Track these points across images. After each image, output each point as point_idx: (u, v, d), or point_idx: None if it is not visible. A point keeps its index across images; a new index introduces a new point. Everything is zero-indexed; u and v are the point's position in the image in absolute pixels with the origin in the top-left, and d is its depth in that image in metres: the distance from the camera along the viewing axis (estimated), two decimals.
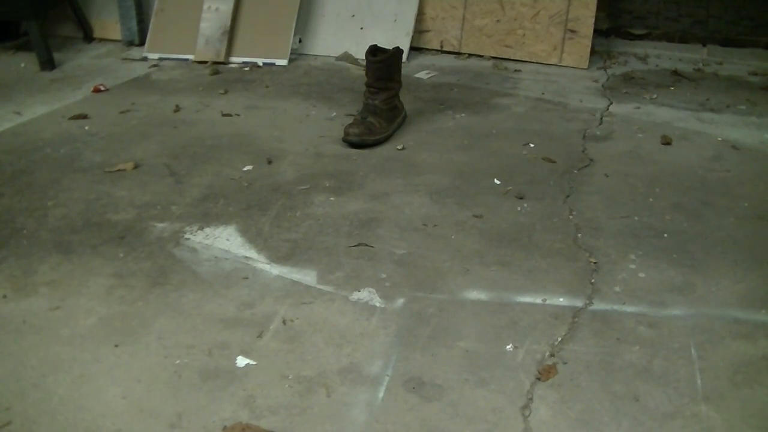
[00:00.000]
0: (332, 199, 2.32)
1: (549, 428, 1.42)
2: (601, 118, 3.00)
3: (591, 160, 2.60)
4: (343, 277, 1.90)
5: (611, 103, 3.17)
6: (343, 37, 3.85)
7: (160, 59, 3.78)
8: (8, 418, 1.43)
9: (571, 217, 2.21)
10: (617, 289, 1.86)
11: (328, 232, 2.12)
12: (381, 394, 1.50)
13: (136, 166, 2.53)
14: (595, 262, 1.97)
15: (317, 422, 1.43)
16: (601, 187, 2.39)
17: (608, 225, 2.16)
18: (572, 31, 3.65)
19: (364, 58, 2.84)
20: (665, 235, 2.11)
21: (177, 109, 3.09)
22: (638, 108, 3.12)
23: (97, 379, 1.54)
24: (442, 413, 1.46)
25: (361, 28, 3.84)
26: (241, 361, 1.59)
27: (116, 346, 1.64)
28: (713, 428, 1.42)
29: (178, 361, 1.59)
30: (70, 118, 2.97)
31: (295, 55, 3.81)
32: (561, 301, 1.81)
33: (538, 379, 1.54)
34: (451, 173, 2.49)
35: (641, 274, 1.92)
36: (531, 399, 1.49)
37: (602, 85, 3.41)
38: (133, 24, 3.98)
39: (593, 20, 3.62)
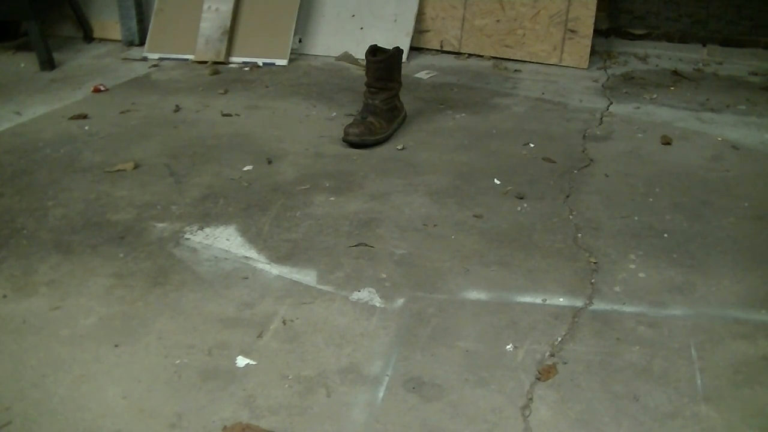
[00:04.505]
0: (332, 199, 2.32)
1: (549, 428, 1.42)
2: (601, 118, 3.00)
3: (591, 160, 2.60)
4: (343, 277, 1.90)
5: (611, 103, 3.17)
6: (343, 37, 3.85)
7: (160, 59, 3.78)
8: (8, 418, 1.43)
9: (571, 217, 2.21)
10: (617, 289, 1.86)
11: (328, 232, 2.12)
12: (381, 394, 1.50)
13: (136, 166, 2.53)
14: (595, 262, 1.97)
15: (317, 422, 1.43)
16: (601, 187, 2.39)
17: (608, 225, 2.16)
18: (572, 31, 3.65)
19: (364, 58, 2.84)
20: (665, 235, 2.11)
21: (177, 109, 3.09)
22: (638, 108, 3.12)
23: (97, 379, 1.54)
24: (442, 413, 1.46)
25: (361, 28, 3.84)
26: (241, 361, 1.59)
27: (116, 346, 1.64)
28: (713, 428, 1.42)
29: (178, 361, 1.59)
30: (70, 118, 2.97)
31: (295, 55, 3.81)
32: (561, 301, 1.81)
33: (538, 379, 1.54)
34: (451, 173, 2.49)
35: (641, 274, 1.92)
36: (531, 399, 1.49)
37: (602, 85, 3.41)
38: (133, 24, 3.98)
39: (593, 20, 3.62)
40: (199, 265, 1.95)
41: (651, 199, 2.32)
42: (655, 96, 3.26)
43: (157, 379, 1.54)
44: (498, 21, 3.77)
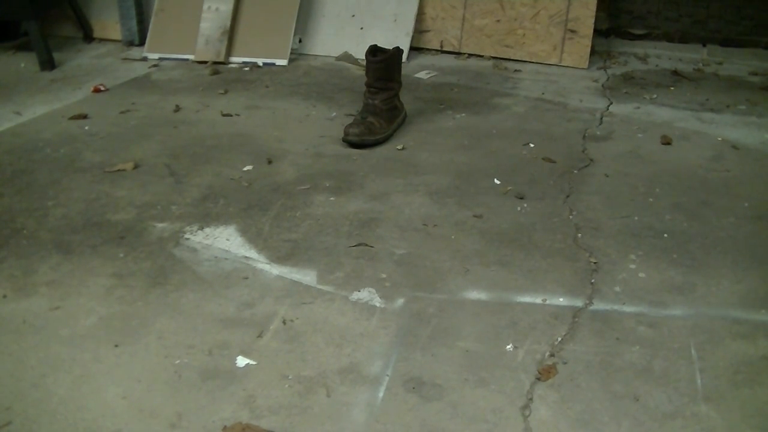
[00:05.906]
0: (332, 199, 2.32)
1: (549, 428, 1.42)
2: (601, 118, 3.00)
3: (591, 160, 2.60)
4: (343, 277, 1.90)
5: (611, 103, 3.17)
6: (343, 37, 3.85)
7: (160, 59, 3.78)
8: (8, 418, 1.43)
9: (571, 217, 2.21)
10: (617, 289, 1.86)
11: (328, 232, 2.12)
12: (381, 394, 1.50)
13: (136, 166, 2.53)
14: (595, 262, 1.97)
15: (317, 422, 1.43)
16: (601, 187, 2.39)
17: (608, 225, 2.16)
18: (572, 31, 3.65)
19: (364, 58, 2.84)
20: (665, 235, 2.11)
21: (177, 109, 3.09)
22: (638, 108, 3.12)
23: (97, 379, 1.54)
24: (442, 413, 1.46)
25: (361, 28, 3.84)
26: (241, 361, 1.59)
27: (116, 346, 1.64)
28: (713, 428, 1.42)
29: (178, 361, 1.59)
30: (70, 118, 2.97)
31: (295, 55, 3.81)
32: (561, 301, 1.81)
33: (538, 379, 1.54)
34: (451, 173, 2.49)
35: (641, 274, 1.92)
36: (531, 399, 1.49)
37: (602, 85, 3.41)
38: (133, 24, 3.98)
39: (593, 20, 3.62)
40: (199, 265, 1.95)
41: (651, 199, 2.32)
42: (655, 96, 3.26)
43: (157, 379, 1.54)
44: (498, 21, 3.77)
